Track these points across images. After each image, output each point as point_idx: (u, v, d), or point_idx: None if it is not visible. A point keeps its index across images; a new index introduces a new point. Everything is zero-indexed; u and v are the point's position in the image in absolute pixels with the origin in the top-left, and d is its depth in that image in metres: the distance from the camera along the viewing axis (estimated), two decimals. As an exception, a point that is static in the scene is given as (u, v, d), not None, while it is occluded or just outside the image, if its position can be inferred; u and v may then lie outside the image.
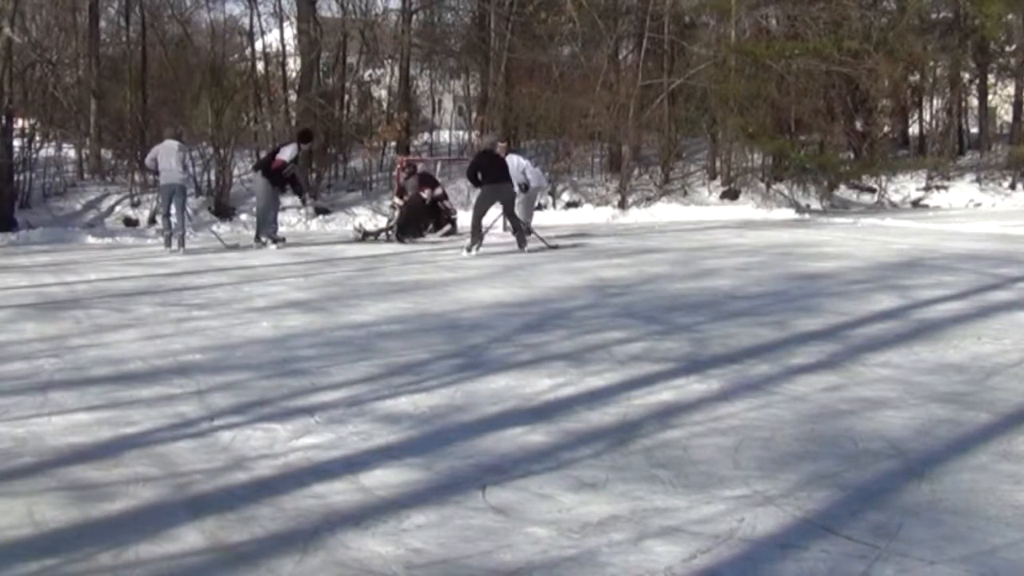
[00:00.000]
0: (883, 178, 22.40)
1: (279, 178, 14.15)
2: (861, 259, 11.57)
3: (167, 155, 13.66)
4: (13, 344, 6.77)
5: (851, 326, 7.22)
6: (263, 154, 16.02)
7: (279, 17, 21.53)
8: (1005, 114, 26.73)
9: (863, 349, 6.34)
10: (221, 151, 18.67)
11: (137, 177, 19.17)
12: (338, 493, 3.76)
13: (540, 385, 5.44)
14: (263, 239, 14.06)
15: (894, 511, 3.53)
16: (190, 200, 16.72)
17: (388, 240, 15.15)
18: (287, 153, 14.11)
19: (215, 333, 7.12)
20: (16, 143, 17.99)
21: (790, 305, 8.26)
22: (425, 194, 15.86)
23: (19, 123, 18.63)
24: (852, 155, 22.75)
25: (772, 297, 8.75)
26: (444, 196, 16.47)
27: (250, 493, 3.76)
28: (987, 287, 9.12)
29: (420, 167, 17.09)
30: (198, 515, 3.54)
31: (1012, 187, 22.93)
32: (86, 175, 19.54)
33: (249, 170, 20.39)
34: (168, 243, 13.63)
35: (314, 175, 20.04)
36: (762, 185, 21.99)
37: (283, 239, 14.27)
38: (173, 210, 13.65)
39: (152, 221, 17.38)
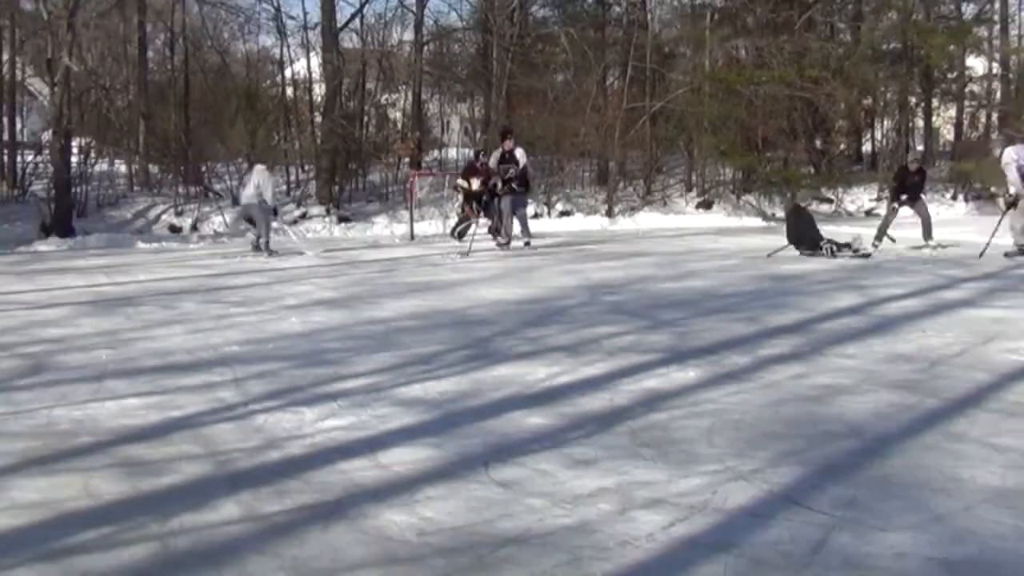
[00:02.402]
0: (840, 190, 22.37)
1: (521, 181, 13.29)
2: (823, 262, 11.54)
3: (248, 180, 13.73)
4: (71, 337, 6.77)
5: (815, 321, 7.21)
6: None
7: (306, 48, 21.57)
8: (947, 134, 26.70)
9: (825, 342, 6.33)
10: (255, 166, 18.66)
11: (180, 189, 19.20)
12: (359, 469, 3.76)
13: (539, 374, 5.43)
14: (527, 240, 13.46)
15: (851, 485, 3.53)
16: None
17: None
18: (521, 155, 13.28)
19: (251, 328, 7.11)
20: (74, 159, 18.04)
21: (761, 303, 8.24)
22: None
23: (77, 142, 18.67)
24: (812, 170, 22.70)
25: (745, 296, 8.73)
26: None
27: (281, 469, 3.76)
28: (936, 287, 9.10)
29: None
30: (235, 488, 3.54)
31: (954, 199, 22.91)
32: (136, 187, 19.58)
33: (279, 184, 20.45)
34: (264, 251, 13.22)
35: (336, 187, 20.06)
36: (733, 196, 21.98)
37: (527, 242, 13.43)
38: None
39: (195, 229, 17.40)
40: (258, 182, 13.31)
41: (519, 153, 13.51)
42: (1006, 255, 10.67)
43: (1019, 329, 6.73)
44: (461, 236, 14.17)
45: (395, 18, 23.14)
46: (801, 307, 7.90)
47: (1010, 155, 10.66)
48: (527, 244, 13.56)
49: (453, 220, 15.92)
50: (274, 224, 13.90)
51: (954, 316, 7.39)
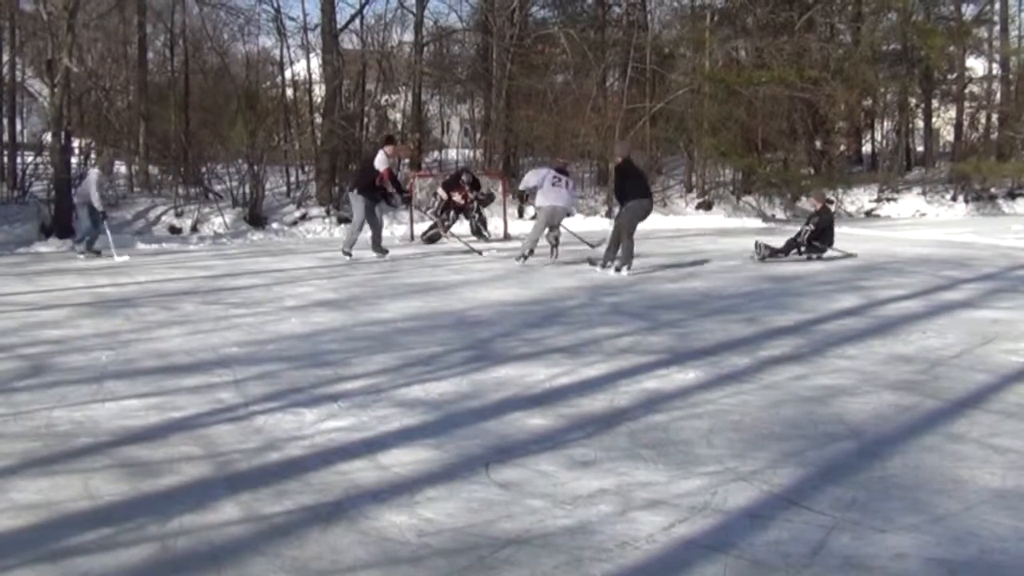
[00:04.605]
0: (840, 191, 22.41)
1: (379, 191, 12.79)
2: (823, 263, 11.55)
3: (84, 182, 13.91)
4: (71, 339, 6.77)
5: (815, 322, 7.21)
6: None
7: (306, 49, 21.56)
8: (947, 134, 26.75)
9: (825, 343, 6.34)
10: (255, 167, 18.68)
11: (180, 190, 19.21)
12: (359, 470, 3.76)
13: (539, 375, 5.43)
14: (347, 252, 12.56)
15: (850, 486, 3.53)
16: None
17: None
18: (380, 161, 12.70)
19: (251, 329, 7.11)
20: (73, 160, 18.03)
21: (761, 304, 8.25)
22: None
23: (76, 143, 18.67)
24: (812, 171, 22.76)
25: (745, 296, 8.74)
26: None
27: (281, 470, 3.76)
28: (934, 288, 9.11)
29: (464, 177, 16.30)
30: (235, 489, 3.54)
31: (954, 199, 22.95)
32: (136, 188, 19.56)
33: (279, 185, 20.47)
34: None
35: (336, 188, 20.06)
36: (733, 197, 22.00)
37: (386, 251, 12.96)
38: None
39: (195, 230, 17.41)
40: (91, 185, 13.50)
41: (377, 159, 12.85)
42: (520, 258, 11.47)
43: (1019, 330, 6.74)
44: (431, 241, 14.86)
45: (395, 19, 23.16)
46: (801, 308, 7.90)
47: (536, 175, 11.81)
48: (379, 256, 12.76)
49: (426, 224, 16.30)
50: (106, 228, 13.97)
51: (954, 317, 7.40)
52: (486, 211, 16.88)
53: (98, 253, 13.60)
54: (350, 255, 12.62)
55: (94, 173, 13.86)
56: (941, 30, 23.06)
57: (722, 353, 6.01)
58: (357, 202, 12.86)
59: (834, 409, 4.63)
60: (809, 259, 11.71)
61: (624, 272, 10.52)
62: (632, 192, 10.83)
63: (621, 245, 10.70)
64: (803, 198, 22.43)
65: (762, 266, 11.23)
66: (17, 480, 3.66)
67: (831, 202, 12.92)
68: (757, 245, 11.94)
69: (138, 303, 8.64)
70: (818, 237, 11.97)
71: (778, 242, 12.02)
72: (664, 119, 21.78)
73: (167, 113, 20.25)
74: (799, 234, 12.09)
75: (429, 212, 16.10)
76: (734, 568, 2.85)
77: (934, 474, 3.65)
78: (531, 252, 11.56)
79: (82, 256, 13.35)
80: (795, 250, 11.84)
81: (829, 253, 11.94)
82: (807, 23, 22.32)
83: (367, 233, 12.95)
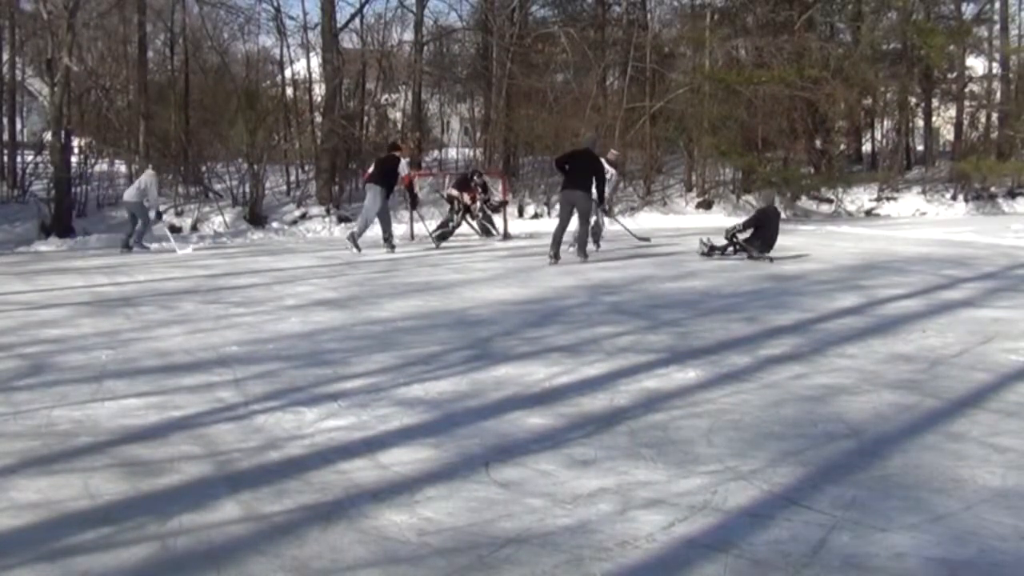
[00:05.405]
0: (840, 190, 22.42)
1: (392, 187, 13.88)
2: (823, 262, 11.55)
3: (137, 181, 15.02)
4: (71, 338, 6.77)
5: (815, 321, 7.20)
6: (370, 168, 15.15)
7: (306, 48, 21.60)
8: (947, 134, 26.75)
9: (825, 342, 6.33)
10: (255, 166, 18.69)
11: (180, 189, 19.23)
12: (359, 469, 3.76)
13: (539, 374, 5.43)
14: (355, 243, 13.43)
15: (850, 485, 3.53)
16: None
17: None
18: (404, 168, 13.93)
19: (251, 328, 7.11)
20: (73, 159, 18.05)
21: (761, 303, 8.24)
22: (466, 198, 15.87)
23: (76, 142, 18.68)
24: (812, 170, 22.77)
25: (745, 296, 8.73)
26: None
27: (281, 469, 3.76)
28: (934, 287, 9.10)
29: (476, 178, 16.51)
30: (235, 488, 3.54)
31: (954, 198, 22.95)
32: (136, 187, 19.53)
33: (279, 184, 20.47)
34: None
35: (336, 187, 20.07)
36: (733, 196, 22.01)
37: (393, 247, 13.78)
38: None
39: (195, 229, 17.39)
40: (144, 184, 14.43)
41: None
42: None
43: (1019, 329, 6.73)
44: (441, 240, 15.10)
45: (395, 18, 23.22)
46: (801, 307, 7.89)
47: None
48: (390, 247, 13.71)
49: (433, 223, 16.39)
50: (156, 227, 15.27)
51: (954, 316, 7.39)
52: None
53: (147, 248, 14.46)
54: (359, 249, 13.17)
55: (150, 173, 14.72)
56: (941, 29, 23.06)
57: (722, 352, 6.00)
58: (376, 193, 13.58)
59: (834, 408, 4.63)
60: (751, 258, 11.63)
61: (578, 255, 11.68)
62: (580, 184, 11.70)
63: (579, 229, 11.85)
64: (803, 197, 22.47)
65: (762, 266, 11.23)
66: (17, 479, 3.66)
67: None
68: (701, 242, 12.06)
69: (138, 302, 8.64)
70: (758, 238, 11.81)
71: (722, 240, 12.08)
72: (664, 118, 21.79)
73: (167, 112, 20.28)
74: (732, 231, 12.02)
75: (457, 216, 16.05)
76: (734, 567, 2.85)
77: (934, 473, 3.65)
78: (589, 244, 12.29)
79: (134, 249, 14.29)
80: (731, 248, 11.83)
81: (773, 254, 11.76)
82: (807, 22, 22.33)
83: (376, 230, 13.80)
